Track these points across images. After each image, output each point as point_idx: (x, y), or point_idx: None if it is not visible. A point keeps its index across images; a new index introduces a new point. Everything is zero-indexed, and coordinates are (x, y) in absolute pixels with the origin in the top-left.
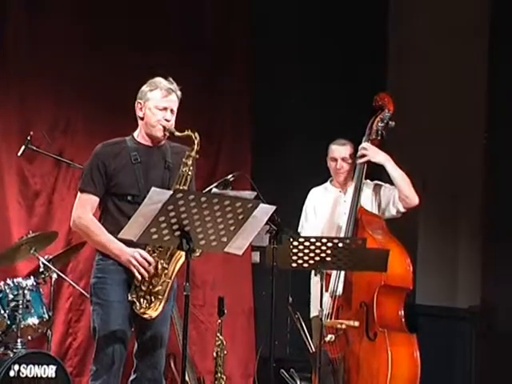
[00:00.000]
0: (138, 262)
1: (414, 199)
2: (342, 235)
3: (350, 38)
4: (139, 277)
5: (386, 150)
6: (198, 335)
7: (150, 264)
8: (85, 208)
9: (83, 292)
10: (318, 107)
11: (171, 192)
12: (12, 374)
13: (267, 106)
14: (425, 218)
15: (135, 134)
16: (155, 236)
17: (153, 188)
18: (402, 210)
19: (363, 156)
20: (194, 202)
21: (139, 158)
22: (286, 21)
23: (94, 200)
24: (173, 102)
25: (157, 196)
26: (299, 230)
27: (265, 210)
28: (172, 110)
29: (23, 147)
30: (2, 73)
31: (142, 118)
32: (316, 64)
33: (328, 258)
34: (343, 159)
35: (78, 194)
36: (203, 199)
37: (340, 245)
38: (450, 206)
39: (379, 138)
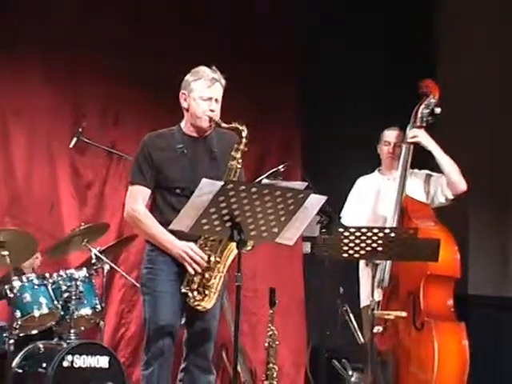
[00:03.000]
0: (189, 256)
1: (463, 185)
2: (387, 224)
3: (396, 22)
4: (192, 271)
5: (432, 135)
6: (249, 326)
7: (202, 258)
8: (136, 200)
9: (135, 283)
10: (369, 96)
11: (222, 183)
12: (65, 364)
13: (318, 95)
14: (475, 206)
15: (182, 125)
16: (206, 227)
17: (203, 179)
18: (451, 196)
19: (413, 137)
20: (244, 192)
21: (185, 150)
22: (336, 9)
23: (145, 191)
24: (217, 91)
25: (207, 187)
26: (341, 215)
27: (316, 201)
28: (217, 100)
29: (75, 139)
30: (55, 64)
31: (187, 109)
32: (365, 51)
33: (379, 248)
34: (396, 144)
35: (129, 186)
36: (254, 190)
37: (392, 235)
38: (501, 194)
39: (424, 124)
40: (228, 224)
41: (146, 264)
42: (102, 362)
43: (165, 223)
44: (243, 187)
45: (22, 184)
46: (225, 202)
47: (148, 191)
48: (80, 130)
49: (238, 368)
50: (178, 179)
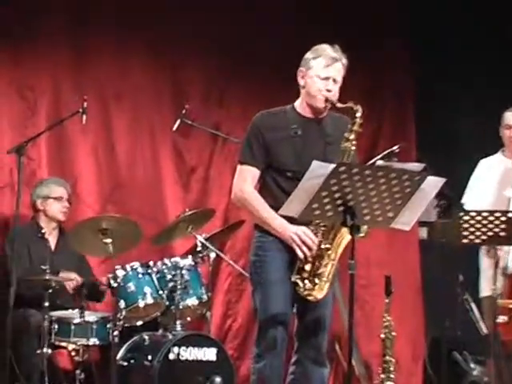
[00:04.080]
0: (300, 239)
1: None
2: (511, 208)
3: None
4: (301, 255)
5: None
6: (362, 316)
7: (313, 242)
8: (245, 181)
9: (242, 271)
10: (485, 73)
11: (333, 165)
12: (172, 356)
13: (432, 72)
14: None
15: (296, 104)
16: (317, 212)
17: (314, 161)
18: None
19: None
20: (357, 175)
21: (299, 131)
22: None
23: (255, 172)
24: (336, 71)
25: (319, 170)
26: (462, 201)
27: (433, 183)
28: (335, 80)
29: (178, 122)
30: (157, 48)
31: (304, 87)
32: (480, 26)
33: (502, 233)
34: None
35: (238, 166)
36: (367, 172)
37: None
38: None
39: None
40: (340, 208)
41: (254, 251)
42: (210, 354)
43: (275, 207)
44: (356, 169)
45: (124, 170)
46: (337, 185)
47: (258, 172)
48: (183, 112)
49: (353, 361)
50: (289, 162)
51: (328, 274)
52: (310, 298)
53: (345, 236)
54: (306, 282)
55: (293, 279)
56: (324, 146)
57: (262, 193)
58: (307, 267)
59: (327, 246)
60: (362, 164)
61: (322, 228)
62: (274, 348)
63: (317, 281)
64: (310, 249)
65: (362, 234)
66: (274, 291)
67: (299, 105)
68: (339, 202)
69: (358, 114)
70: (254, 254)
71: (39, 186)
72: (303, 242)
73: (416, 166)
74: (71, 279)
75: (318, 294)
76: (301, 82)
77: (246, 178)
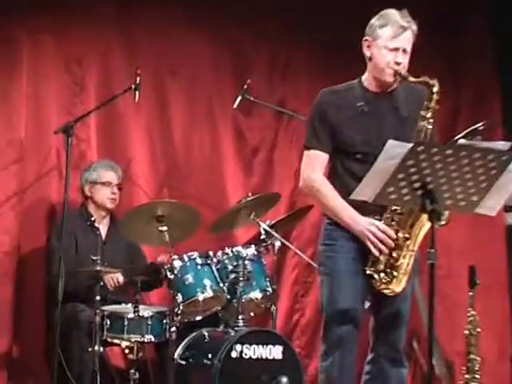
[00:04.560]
0: (374, 235)
1: None
2: None
3: None
4: (377, 253)
5: None
6: (443, 311)
7: (389, 237)
8: (313, 167)
9: (310, 262)
10: None
11: (411, 145)
12: (234, 354)
13: None
14: None
15: (363, 78)
16: (393, 196)
17: (389, 141)
18: None
19: None
20: (438, 155)
21: (367, 108)
22: None
23: (322, 157)
24: (406, 40)
25: (394, 150)
26: None
27: None
28: (405, 51)
29: (239, 98)
30: (214, 15)
31: (370, 59)
32: None
33: None
34: None
35: (304, 151)
36: (449, 152)
37: None
38: None
39: None
40: (419, 192)
41: (323, 240)
42: (276, 352)
43: (345, 194)
44: (436, 149)
45: (180, 151)
46: (415, 166)
47: (325, 156)
48: (245, 87)
49: (433, 361)
50: (359, 143)
51: (406, 266)
52: (387, 292)
53: (424, 224)
54: (382, 274)
55: (368, 272)
56: (397, 122)
57: (331, 178)
58: (383, 259)
59: (405, 235)
60: (442, 143)
61: (398, 215)
62: (342, 345)
63: (394, 273)
64: (385, 245)
65: (442, 223)
66: (342, 283)
67: (365, 78)
68: (417, 184)
69: (435, 90)
70: (323, 243)
71: (88, 170)
72: (378, 238)
73: (502, 145)
74: (112, 275)
75: (396, 287)
76: (367, 52)
77: (314, 165)
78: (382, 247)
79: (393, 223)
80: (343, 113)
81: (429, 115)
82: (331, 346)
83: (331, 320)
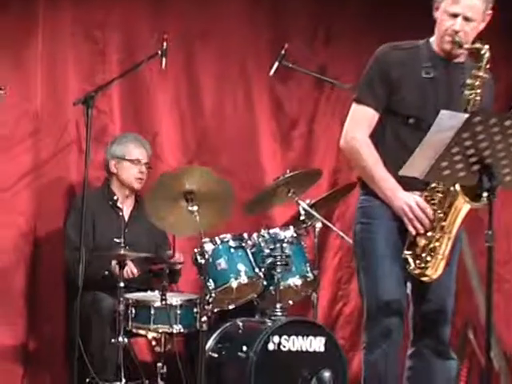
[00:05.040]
0: (413, 212)
1: None
2: None
3: None
4: (413, 231)
5: None
6: (501, 299)
7: (427, 216)
8: (360, 125)
9: None
10: None
11: (466, 115)
12: (271, 347)
13: None
14: None
15: (431, 40)
16: (446, 172)
17: (442, 111)
18: None
19: None
20: (496, 127)
21: (432, 72)
22: None
23: (373, 115)
24: (467, 7)
25: (448, 121)
26: None
27: None
28: (466, 18)
29: (276, 64)
30: None
31: (435, 22)
32: None
33: None
34: None
35: (353, 105)
36: (508, 123)
37: None
38: None
39: None
40: (475, 167)
41: (359, 218)
42: (317, 344)
43: (390, 163)
44: (495, 120)
45: (211, 122)
46: (471, 139)
47: (376, 116)
48: (282, 52)
49: (491, 353)
50: (415, 106)
51: (444, 251)
52: (423, 278)
53: (463, 205)
54: (418, 260)
55: (404, 255)
56: (458, 97)
57: (376, 143)
58: (421, 242)
59: (442, 216)
60: (501, 113)
61: (439, 194)
62: (388, 336)
63: (429, 258)
64: (423, 224)
65: (477, 204)
66: (383, 267)
67: (434, 41)
68: (473, 159)
69: (486, 56)
70: (359, 222)
71: (115, 144)
72: (416, 216)
73: None
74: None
75: (433, 273)
76: (435, 14)
77: (361, 122)
78: (419, 226)
79: (433, 202)
80: (406, 71)
81: (477, 83)
82: (376, 337)
83: (374, 309)
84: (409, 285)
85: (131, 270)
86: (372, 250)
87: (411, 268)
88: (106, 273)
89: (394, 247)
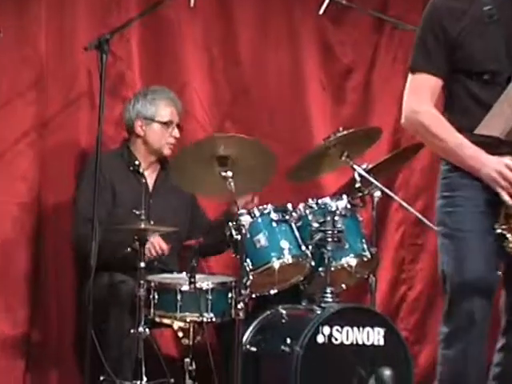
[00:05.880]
0: (504, 177)
1: None
2: None
3: None
4: (508, 200)
5: None
6: None
7: None
8: (420, 97)
9: (421, 218)
10: None
11: None
12: (321, 339)
13: None
14: None
15: None
16: None
17: None
18: None
19: None
20: None
21: (496, 13)
22: None
23: (435, 83)
24: None
25: None
26: None
27: None
28: None
29: (326, 1)
30: None
31: None
32: None
33: None
34: None
35: (409, 75)
36: None
37: None
38: None
39: None
40: None
41: (442, 191)
42: (375, 336)
43: (466, 127)
44: None
45: (249, 72)
46: None
47: (439, 82)
48: None
49: None
50: (485, 58)
51: None
52: None
53: None
54: None
55: (498, 230)
56: None
57: (447, 109)
58: None
59: None
60: None
61: None
62: (472, 327)
63: None
64: None
65: None
66: (470, 246)
67: None
68: None
69: None
70: (441, 196)
71: (141, 100)
72: (508, 181)
73: None
74: (154, 242)
75: None
76: None
77: (421, 93)
78: None
79: None
80: (465, 20)
81: None
82: (458, 327)
83: (458, 294)
84: (503, 266)
85: (160, 245)
86: (457, 227)
87: (509, 245)
88: (129, 250)
89: (485, 222)
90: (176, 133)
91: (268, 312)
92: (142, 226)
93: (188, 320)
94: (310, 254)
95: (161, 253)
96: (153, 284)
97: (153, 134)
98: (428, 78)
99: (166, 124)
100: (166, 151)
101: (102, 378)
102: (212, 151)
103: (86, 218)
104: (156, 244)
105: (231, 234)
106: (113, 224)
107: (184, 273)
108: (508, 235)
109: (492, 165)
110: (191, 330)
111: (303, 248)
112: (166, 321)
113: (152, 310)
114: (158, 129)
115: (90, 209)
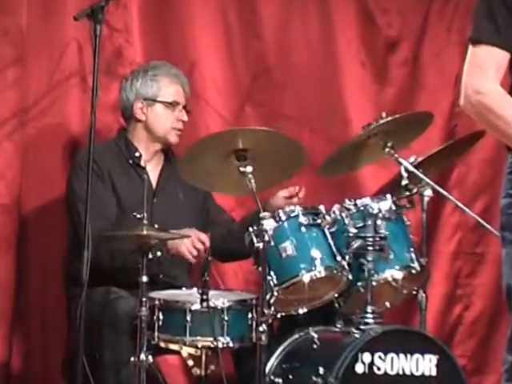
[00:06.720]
0: None
1: None
2: None
3: None
4: None
5: None
6: None
7: None
8: (484, 73)
9: (481, 221)
10: None
11: None
12: (360, 368)
13: None
14: None
15: None
16: None
17: None
18: None
19: None
20: None
21: None
22: None
23: (501, 57)
24: None
25: None
26: None
27: None
28: None
29: None
30: None
31: None
32: None
33: None
34: None
35: (470, 48)
36: None
37: None
38: None
39: None
40: None
41: (507, 188)
42: (426, 365)
43: None
44: None
45: (273, 49)
46: None
47: (507, 56)
48: None
49: None
50: None
51: None
52: None
53: None
54: None
55: None
56: None
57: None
58: None
59: None
60: None
61: None
62: None
63: None
64: None
65: None
66: None
67: None
68: None
69: None
70: (507, 194)
71: (141, 77)
72: None
73: None
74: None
75: None
76: None
77: (485, 69)
78: None
79: None
80: None
81: None
82: None
83: None
84: None
85: (199, 237)
86: None
87: None
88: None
89: None
90: (183, 116)
91: (296, 335)
92: (144, 231)
93: (199, 345)
94: (346, 266)
95: (203, 248)
96: (157, 302)
97: (156, 118)
98: (494, 52)
99: (171, 105)
100: (173, 138)
101: None
102: (229, 145)
103: (102, 216)
104: (195, 238)
105: (252, 242)
106: (115, 228)
107: (195, 289)
108: None
109: None
110: (203, 357)
111: (338, 258)
112: (173, 346)
113: (156, 334)
114: (162, 111)
115: (100, 205)
